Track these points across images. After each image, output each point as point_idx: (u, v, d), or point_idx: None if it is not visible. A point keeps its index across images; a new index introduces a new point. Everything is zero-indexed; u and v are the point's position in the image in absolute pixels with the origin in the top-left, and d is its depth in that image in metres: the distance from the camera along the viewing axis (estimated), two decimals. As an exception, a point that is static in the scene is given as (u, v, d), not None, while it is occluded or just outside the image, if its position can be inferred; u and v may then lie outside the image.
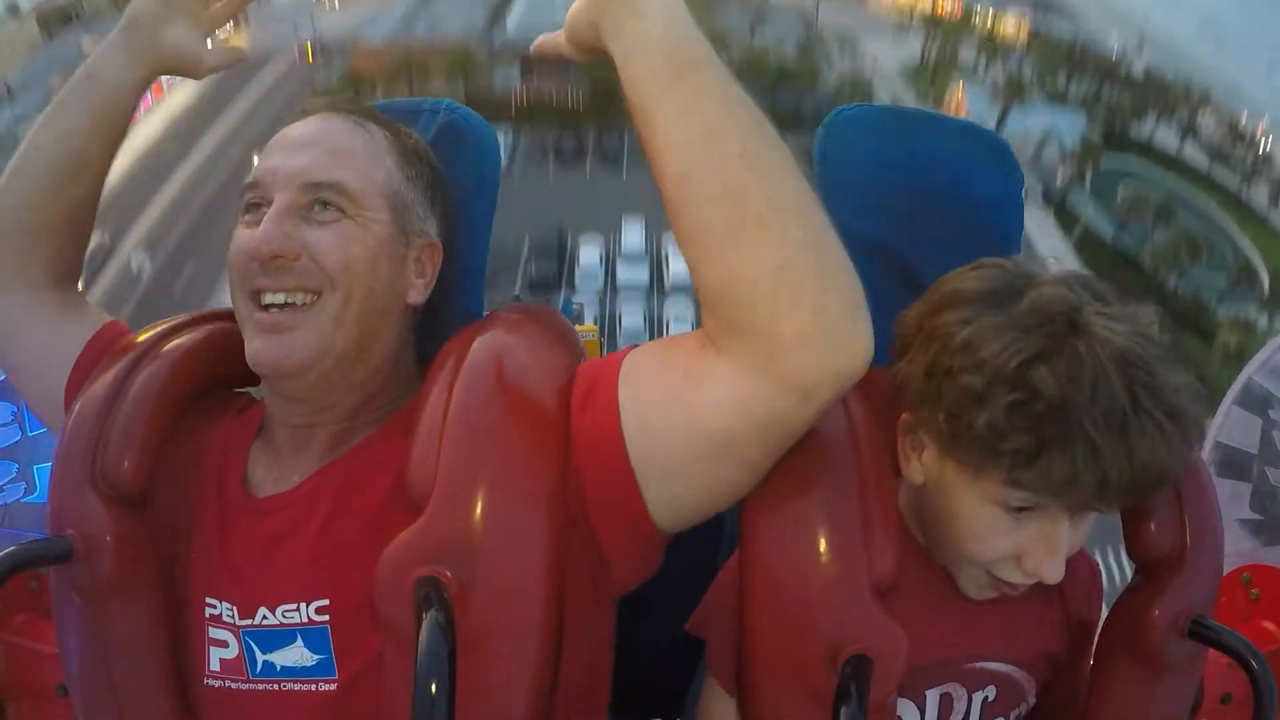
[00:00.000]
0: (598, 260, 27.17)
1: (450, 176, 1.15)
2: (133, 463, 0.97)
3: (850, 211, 1.22)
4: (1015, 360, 0.85)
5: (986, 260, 0.96)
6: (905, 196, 1.22)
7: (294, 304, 0.97)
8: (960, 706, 1.05)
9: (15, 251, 1.15)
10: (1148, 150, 37.75)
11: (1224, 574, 1.10)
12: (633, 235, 27.36)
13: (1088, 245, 31.61)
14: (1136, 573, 1.06)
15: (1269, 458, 2.04)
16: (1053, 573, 0.93)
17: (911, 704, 1.02)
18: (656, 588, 1.01)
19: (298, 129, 1.06)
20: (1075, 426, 0.83)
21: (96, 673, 0.99)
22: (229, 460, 1.04)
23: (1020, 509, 0.91)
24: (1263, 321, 27.90)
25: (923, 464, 0.98)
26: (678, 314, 24.76)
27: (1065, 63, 40.95)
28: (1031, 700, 1.10)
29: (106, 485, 0.96)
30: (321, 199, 0.99)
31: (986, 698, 1.06)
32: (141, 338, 1.07)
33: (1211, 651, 1.03)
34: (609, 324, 24.84)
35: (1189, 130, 37.89)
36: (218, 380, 1.11)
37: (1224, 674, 1.14)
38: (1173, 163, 37.42)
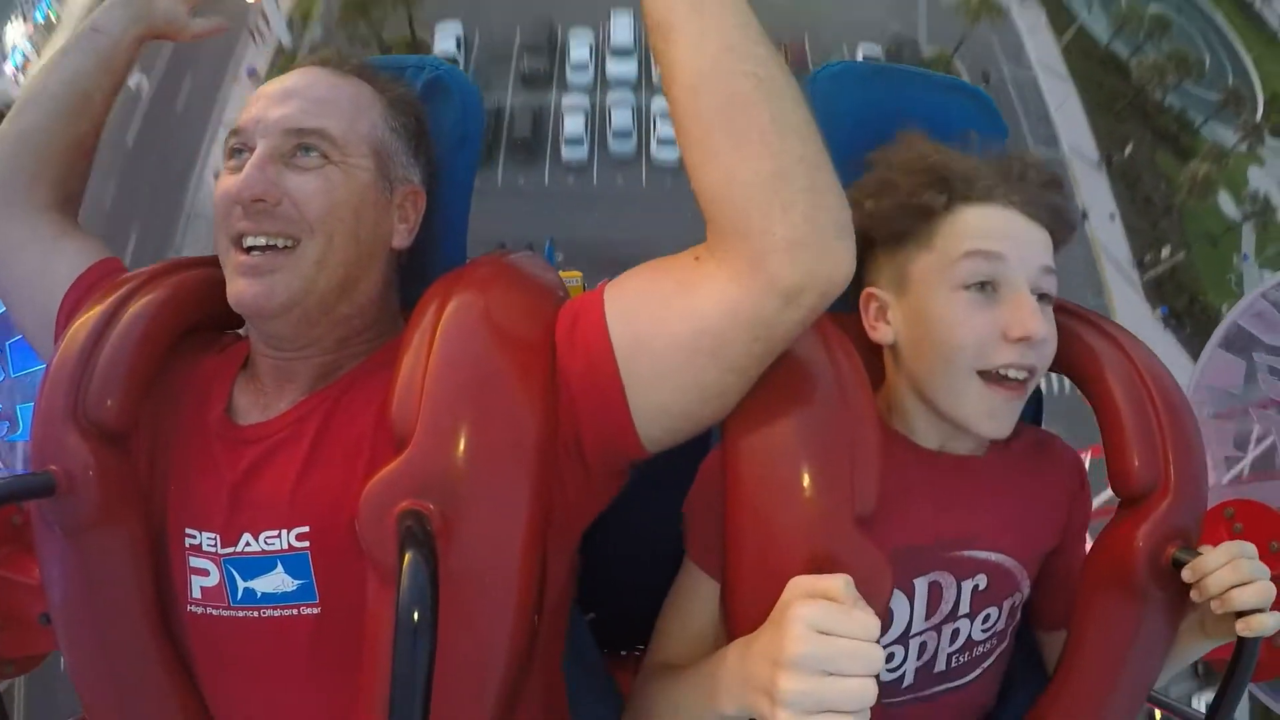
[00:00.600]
0: (587, 54, 26.50)
1: (434, 131, 1.17)
2: (116, 401, 0.98)
3: (838, 165, 1.22)
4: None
5: None
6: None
7: (275, 247, 0.98)
8: (950, 595, 1.07)
9: (24, 170, 1.22)
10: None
11: (1208, 509, 1.11)
12: (622, 28, 26.68)
13: (1078, 49, 29.34)
14: (1120, 507, 1.06)
15: (1252, 398, 2.06)
16: (1036, 326, 1.01)
17: (900, 594, 1.05)
18: (637, 521, 1.01)
19: (283, 79, 1.07)
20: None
21: (79, 605, 1.00)
22: (211, 392, 1.05)
23: (983, 284, 1.04)
24: (1242, 149, 26.82)
25: (889, 321, 1.11)
26: (664, 110, 23.58)
27: None
28: (1025, 591, 1.13)
29: (89, 422, 0.97)
30: (304, 144, 1.00)
31: (977, 586, 1.08)
32: (126, 283, 1.07)
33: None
34: (599, 120, 24.85)
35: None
36: (203, 322, 1.11)
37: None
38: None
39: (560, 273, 1.14)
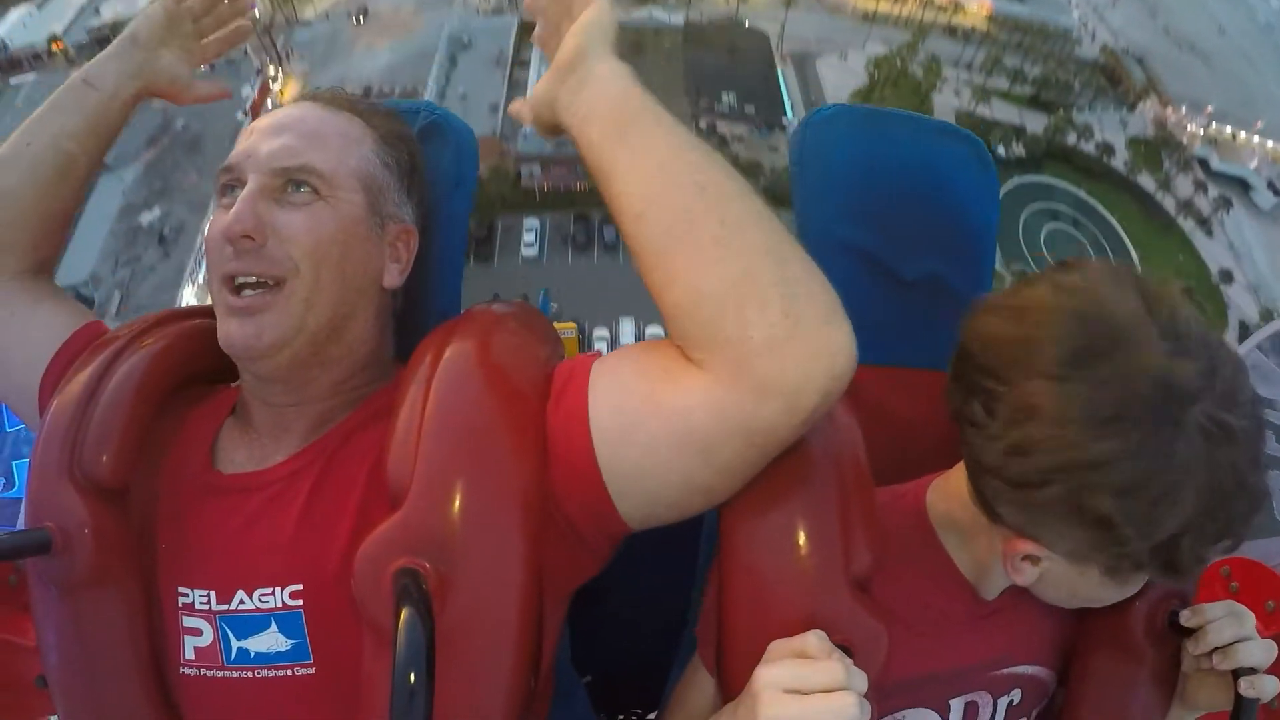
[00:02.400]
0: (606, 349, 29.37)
1: (429, 176, 1.16)
2: (111, 456, 0.97)
3: (830, 211, 1.23)
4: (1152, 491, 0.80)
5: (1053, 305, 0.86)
6: (884, 196, 1.23)
7: (265, 285, 0.98)
8: (985, 713, 1.04)
9: None
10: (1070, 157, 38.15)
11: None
12: (626, 334, 30.03)
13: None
14: None
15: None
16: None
17: (933, 714, 1.02)
18: (635, 585, 1.01)
19: (274, 115, 1.07)
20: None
21: (75, 665, 0.99)
22: (198, 443, 1.05)
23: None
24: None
25: (1039, 567, 0.93)
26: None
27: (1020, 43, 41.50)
28: (1051, 692, 1.10)
29: (85, 479, 0.96)
30: (294, 180, 1.00)
31: (1012, 701, 1.05)
32: (118, 337, 1.07)
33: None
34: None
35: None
36: (195, 375, 1.11)
37: None
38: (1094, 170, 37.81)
39: (555, 324, 1.14)
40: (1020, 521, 0.89)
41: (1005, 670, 1.04)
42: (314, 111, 1.07)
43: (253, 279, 0.98)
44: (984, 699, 1.03)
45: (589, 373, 0.91)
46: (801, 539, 0.89)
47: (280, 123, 1.04)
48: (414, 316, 1.13)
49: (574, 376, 0.92)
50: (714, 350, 0.82)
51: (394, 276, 1.08)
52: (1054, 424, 0.81)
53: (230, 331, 0.98)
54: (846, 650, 0.85)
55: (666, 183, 0.85)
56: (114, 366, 1.03)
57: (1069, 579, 0.93)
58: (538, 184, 37.68)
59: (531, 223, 36.47)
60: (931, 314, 1.18)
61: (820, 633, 0.83)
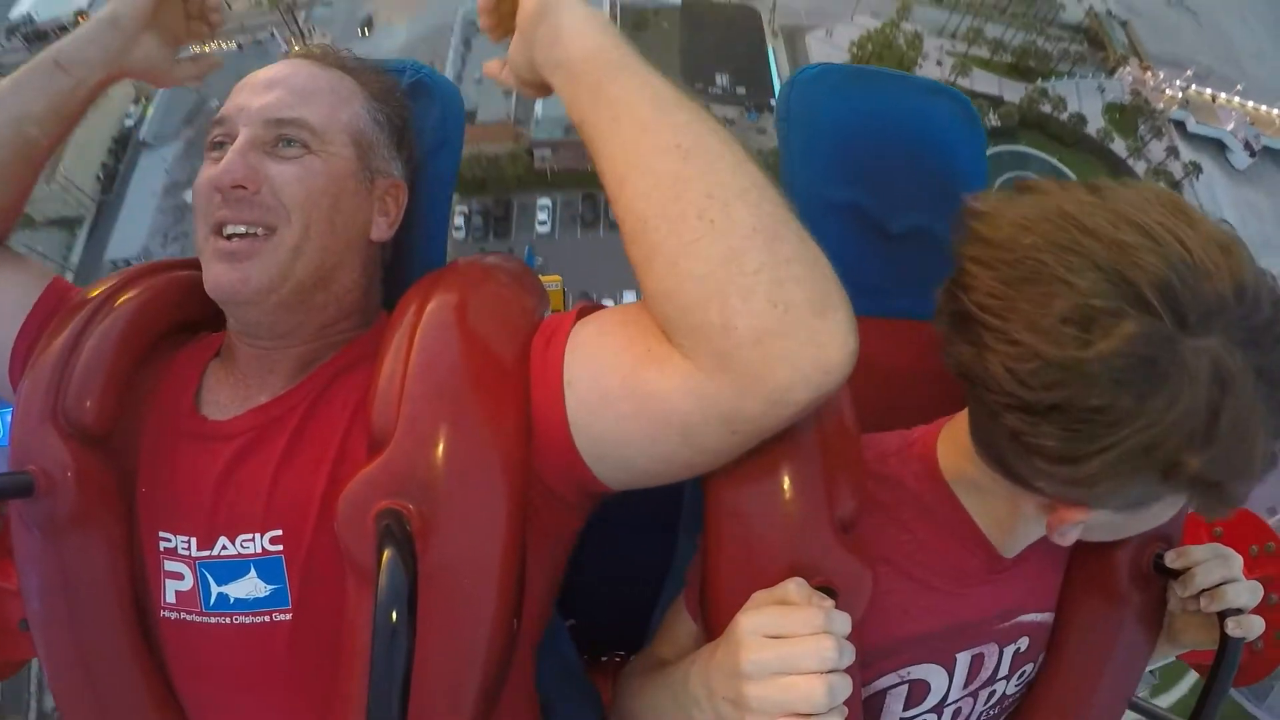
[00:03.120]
0: None
1: (416, 133, 1.17)
2: (94, 401, 0.97)
3: (817, 168, 1.23)
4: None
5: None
6: (871, 152, 1.22)
7: (254, 234, 0.98)
8: (991, 662, 1.04)
9: None
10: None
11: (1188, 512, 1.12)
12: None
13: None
14: None
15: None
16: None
17: (940, 668, 1.01)
18: (619, 528, 1.02)
19: (265, 70, 1.07)
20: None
21: (56, 608, 0.99)
22: (182, 387, 1.04)
23: None
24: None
25: (1085, 524, 0.88)
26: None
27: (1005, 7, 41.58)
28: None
29: (68, 424, 0.97)
30: (285, 135, 1.00)
31: (1018, 649, 1.05)
32: (101, 287, 1.07)
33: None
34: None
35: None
36: (180, 324, 1.11)
37: None
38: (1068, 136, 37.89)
39: (541, 277, 1.13)
40: (1065, 490, 0.81)
41: (1013, 620, 1.04)
42: (305, 68, 1.08)
43: (242, 229, 0.97)
44: (990, 649, 1.04)
45: (567, 336, 0.90)
46: (785, 483, 0.89)
47: (272, 79, 1.04)
48: (400, 271, 1.13)
49: (554, 336, 0.91)
50: (696, 339, 0.76)
51: (382, 230, 1.09)
52: (1107, 390, 0.72)
53: (217, 275, 0.97)
54: (830, 592, 0.85)
55: (648, 145, 0.79)
56: (99, 315, 1.03)
57: (1117, 523, 0.90)
58: (549, 166, 38.53)
59: (544, 201, 37.70)
60: (921, 266, 1.17)
61: (800, 580, 0.83)
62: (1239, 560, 0.98)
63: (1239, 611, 0.95)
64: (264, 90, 1.02)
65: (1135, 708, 1.61)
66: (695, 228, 0.75)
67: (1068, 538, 0.89)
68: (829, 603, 0.81)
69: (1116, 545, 1.03)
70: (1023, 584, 1.04)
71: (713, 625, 0.93)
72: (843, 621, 0.80)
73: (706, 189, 0.76)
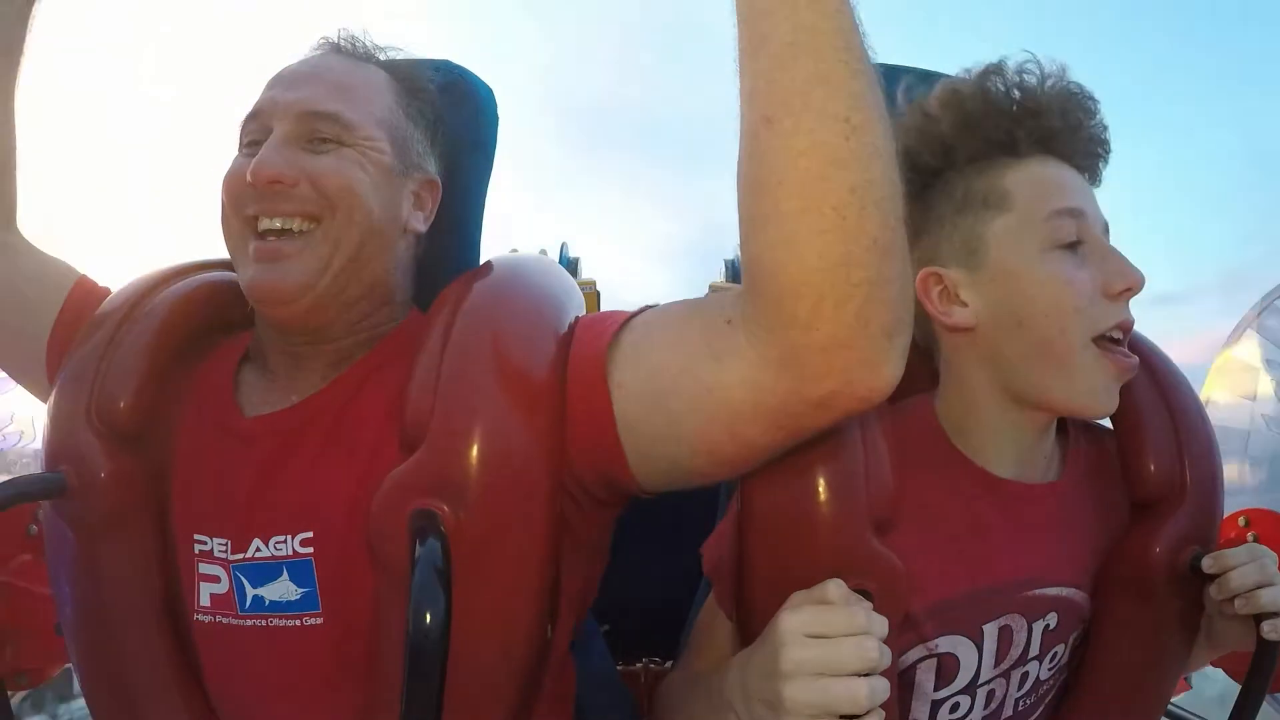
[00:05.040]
0: None
1: (450, 134, 1.15)
2: (128, 401, 0.97)
3: None
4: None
5: None
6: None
7: (291, 230, 0.97)
8: (1020, 639, 1.02)
9: None
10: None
11: (1224, 515, 1.10)
12: None
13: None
14: (1134, 511, 1.06)
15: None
16: (1137, 275, 0.96)
17: (968, 641, 1.00)
18: (653, 532, 1.01)
19: (297, 65, 1.05)
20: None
21: (89, 610, 0.99)
22: (215, 388, 1.04)
23: (1073, 243, 0.97)
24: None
25: (965, 302, 1.00)
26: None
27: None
28: (1087, 618, 1.08)
29: (102, 423, 0.96)
30: (320, 131, 0.98)
31: (1048, 625, 1.03)
32: (135, 287, 1.07)
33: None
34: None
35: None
36: (214, 324, 1.10)
37: None
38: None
39: (575, 280, 1.13)
40: (915, 250, 0.95)
41: (1038, 591, 1.02)
42: (338, 61, 1.06)
43: (278, 223, 0.96)
44: (1018, 623, 1.01)
45: (614, 336, 0.88)
46: (822, 482, 0.87)
47: (304, 73, 1.03)
48: (434, 272, 1.11)
49: (598, 338, 0.89)
50: (773, 329, 0.75)
51: (418, 223, 1.07)
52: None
53: (254, 277, 0.97)
54: (867, 594, 0.84)
55: (817, 100, 0.70)
56: (133, 315, 1.02)
57: (995, 277, 0.99)
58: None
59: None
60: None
61: (839, 581, 0.82)
62: (1275, 560, 0.96)
63: (1276, 615, 0.94)
64: (297, 85, 1.01)
65: (1169, 715, 1.59)
66: (826, 218, 0.70)
67: (950, 314, 1.01)
68: (867, 605, 0.81)
69: (1151, 548, 1.01)
70: (1042, 550, 1.02)
71: (748, 625, 0.92)
72: (881, 624, 0.79)
73: (852, 182, 0.70)
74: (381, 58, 1.11)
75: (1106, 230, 1.01)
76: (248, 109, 1.02)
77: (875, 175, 0.71)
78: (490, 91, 1.25)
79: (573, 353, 0.90)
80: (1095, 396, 0.97)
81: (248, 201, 0.97)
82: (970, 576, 0.98)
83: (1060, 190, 0.99)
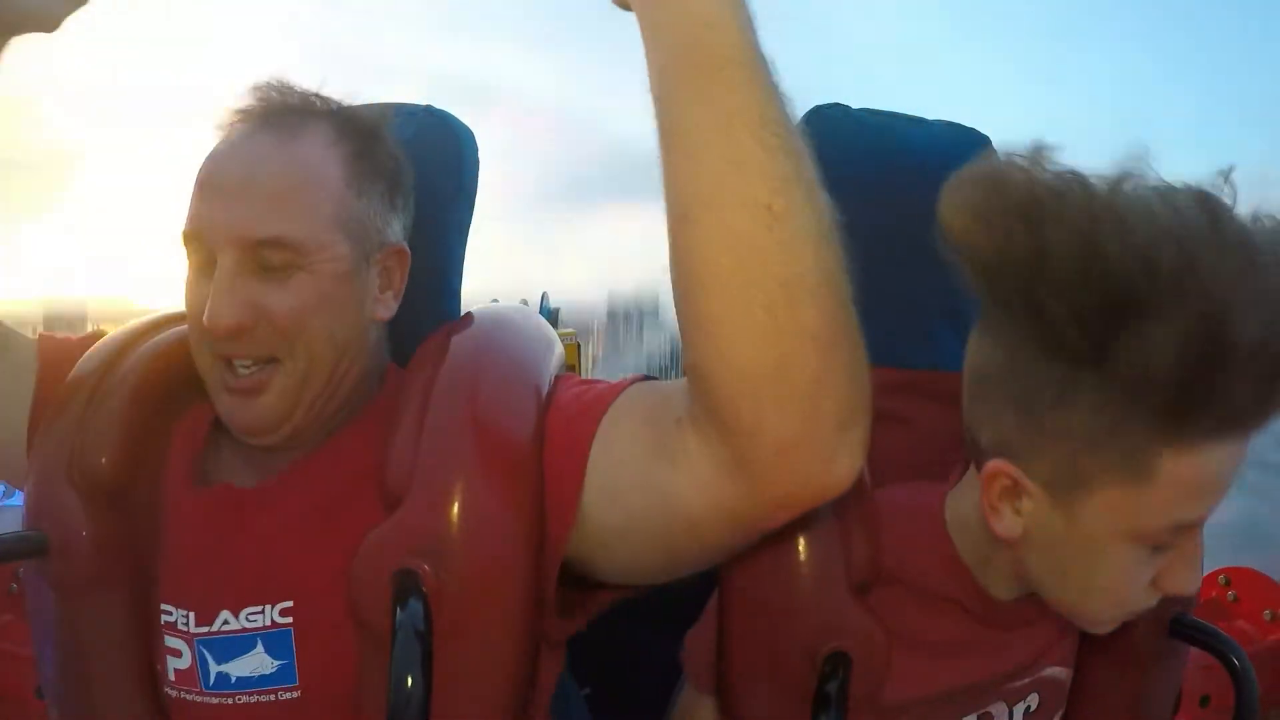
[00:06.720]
0: None
1: (427, 181, 1.11)
2: (110, 457, 0.96)
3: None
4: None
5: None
6: (889, 196, 1.20)
7: (260, 365, 0.95)
8: None
9: None
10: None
11: (1203, 574, 1.10)
12: None
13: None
14: None
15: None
16: (1192, 584, 0.83)
17: None
18: (639, 596, 1.01)
19: (228, 160, 0.95)
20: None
21: (71, 672, 0.97)
22: (187, 450, 1.02)
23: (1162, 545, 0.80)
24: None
25: (1022, 514, 0.83)
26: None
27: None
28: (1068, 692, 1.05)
29: (83, 480, 0.95)
30: (268, 260, 0.91)
31: (1029, 707, 1.01)
32: (113, 342, 1.04)
33: (1190, 653, 1.03)
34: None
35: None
36: (189, 380, 1.06)
37: (1202, 676, 1.14)
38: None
39: (555, 330, 1.11)
40: (996, 437, 0.81)
41: (1024, 680, 1.00)
42: (273, 152, 0.94)
43: (249, 363, 0.94)
44: (999, 708, 1.00)
45: (596, 426, 0.86)
46: (801, 543, 0.88)
47: (235, 178, 0.93)
48: (413, 324, 1.10)
49: (583, 414, 0.88)
50: (721, 435, 0.72)
51: (388, 306, 1.03)
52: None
53: (231, 411, 0.96)
54: (845, 658, 0.84)
55: (733, 190, 0.66)
56: (112, 370, 1.01)
57: (1057, 534, 0.82)
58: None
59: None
60: (940, 315, 1.17)
61: None
62: None
63: None
64: (233, 200, 0.92)
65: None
66: (755, 318, 0.66)
67: (1002, 518, 0.84)
68: None
69: None
70: (1036, 645, 0.99)
71: (729, 695, 0.92)
72: None
73: (782, 277, 0.66)
74: (320, 106, 1.02)
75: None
76: (184, 220, 0.94)
77: (807, 264, 0.67)
78: (470, 134, 1.22)
79: (551, 419, 0.89)
80: (1096, 627, 0.92)
81: (215, 341, 0.93)
82: (951, 680, 0.96)
83: (1209, 494, 0.78)
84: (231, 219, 0.91)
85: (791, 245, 0.66)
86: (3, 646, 1.27)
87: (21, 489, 1.02)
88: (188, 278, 0.96)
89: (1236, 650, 0.99)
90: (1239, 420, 0.74)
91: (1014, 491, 0.83)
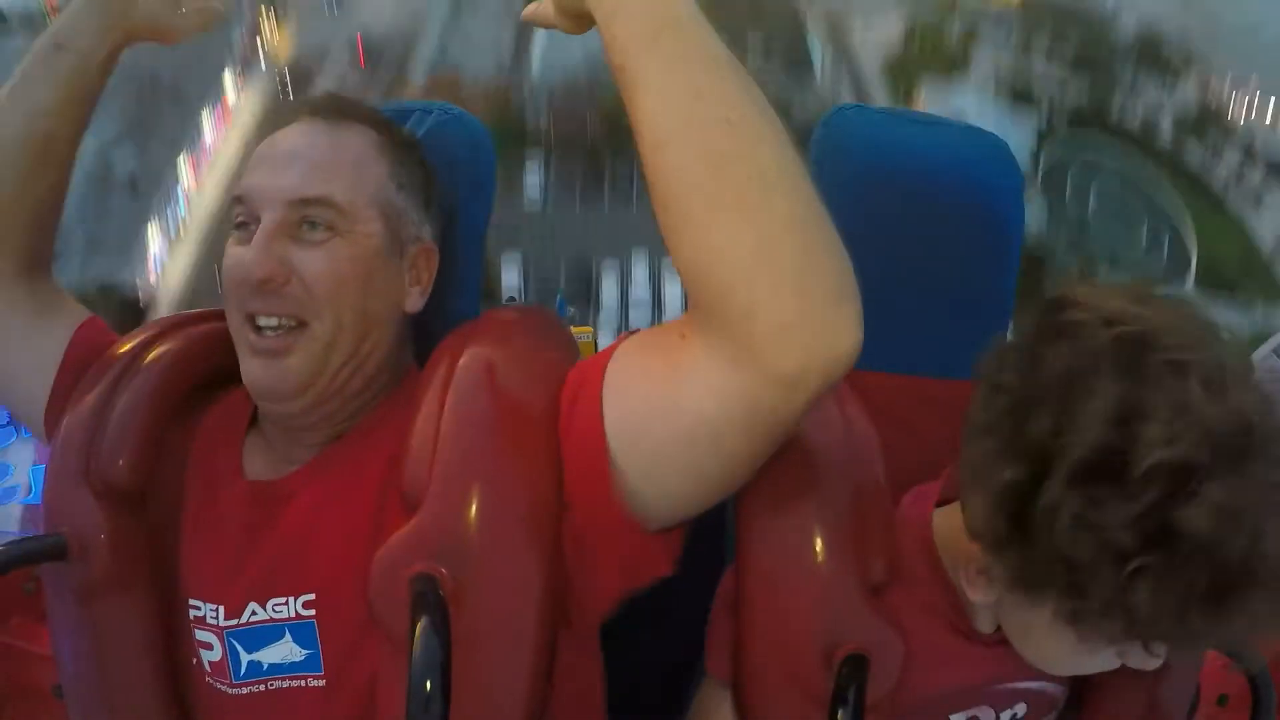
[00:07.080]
0: (615, 283, 29.60)
1: (444, 180, 1.13)
2: (128, 460, 0.97)
3: (850, 213, 1.21)
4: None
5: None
6: (906, 198, 1.20)
7: (287, 327, 0.96)
8: None
9: None
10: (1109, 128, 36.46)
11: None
12: (639, 269, 29.51)
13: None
14: None
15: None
16: (1151, 664, 0.85)
17: None
18: (658, 596, 1.01)
19: (282, 140, 1.02)
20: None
21: (90, 673, 0.98)
22: (219, 450, 1.04)
23: None
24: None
25: (995, 584, 0.87)
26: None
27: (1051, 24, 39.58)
28: (1061, 705, 1.06)
29: (101, 483, 0.96)
30: (310, 217, 0.96)
31: (1015, 715, 1.02)
32: (131, 342, 1.06)
33: (1208, 653, 1.03)
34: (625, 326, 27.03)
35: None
36: (209, 379, 1.10)
37: (1220, 675, 1.13)
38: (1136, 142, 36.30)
39: (572, 328, 1.12)
40: (974, 524, 0.84)
41: (1009, 685, 1.00)
42: (323, 135, 1.02)
43: (275, 321, 0.95)
44: (985, 713, 1.00)
45: (602, 375, 0.88)
46: (818, 545, 0.88)
47: (291, 151, 1.00)
48: (432, 324, 1.11)
49: (588, 379, 0.89)
50: (720, 328, 0.76)
51: (415, 300, 1.05)
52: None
53: (254, 372, 0.96)
54: (862, 659, 0.84)
55: (696, 113, 0.76)
56: (130, 370, 1.02)
57: (1023, 613, 0.87)
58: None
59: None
60: (953, 321, 1.17)
61: None
62: None
63: None
64: (284, 166, 0.98)
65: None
66: (732, 209, 0.74)
67: (977, 588, 0.88)
68: None
69: None
70: (1020, 660, 0.97)
71: (746, 689, 0.92)
72: None
73: (748, 171, 0.75)
74: (366, 113, 1.07)
75: None
76: (236, 188, 0.99)
77: (767, 161, 0.75)
78: (485, 130, 1.23)
79: (566, 402, 0.90)
80: (1052, 669, 0.95)
81: (244, 297, 0.95)
82: (946, 680, 0.96)
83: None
84: (281, 182, 0.96)
85: (752, 148, 0.76)
86: (21, 645, 1.28)
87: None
88: (229, 242, 0.98)
89: (1254, 652, 0.99)
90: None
91: (983, 572, 0.87)
